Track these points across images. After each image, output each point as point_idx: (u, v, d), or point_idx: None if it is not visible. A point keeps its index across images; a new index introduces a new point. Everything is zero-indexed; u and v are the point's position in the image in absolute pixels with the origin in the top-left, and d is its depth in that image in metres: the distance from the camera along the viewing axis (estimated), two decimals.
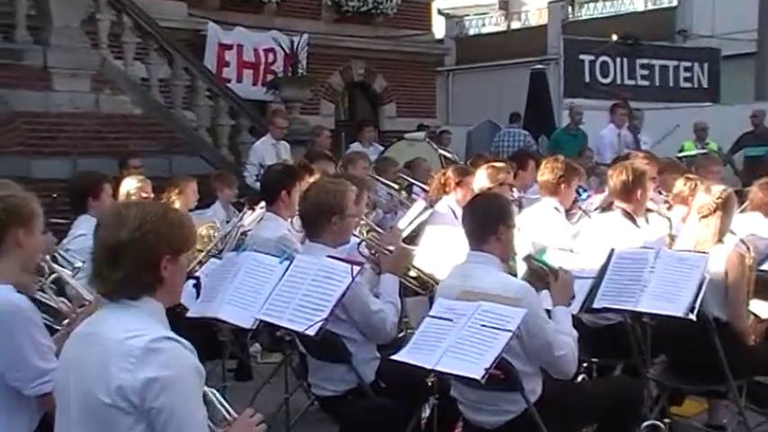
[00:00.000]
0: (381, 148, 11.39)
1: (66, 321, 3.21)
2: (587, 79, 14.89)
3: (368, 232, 4.60)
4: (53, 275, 3.38)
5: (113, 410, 2.23)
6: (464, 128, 15.75)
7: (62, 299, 3.32)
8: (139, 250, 2.32)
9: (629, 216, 4.97)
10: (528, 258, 3.89)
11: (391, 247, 4.27)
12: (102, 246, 2.35)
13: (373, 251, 4.31)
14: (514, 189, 6.31)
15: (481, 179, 5.99)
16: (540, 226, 5.17)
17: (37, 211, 2.94)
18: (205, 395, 2.43)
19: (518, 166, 7.09)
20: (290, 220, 5.24)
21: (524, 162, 7.25)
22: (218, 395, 2.55)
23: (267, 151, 9.57)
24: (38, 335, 2.80)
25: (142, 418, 2.23)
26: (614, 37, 14.99)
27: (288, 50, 12.24)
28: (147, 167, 8.31)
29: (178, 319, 2.70)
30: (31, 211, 2.92)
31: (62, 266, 4.41)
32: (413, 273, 4.55)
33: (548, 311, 3.67)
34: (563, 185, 5.44)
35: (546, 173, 5.48)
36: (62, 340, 3.05)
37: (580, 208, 5.84)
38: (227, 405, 2.57)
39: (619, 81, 15.65)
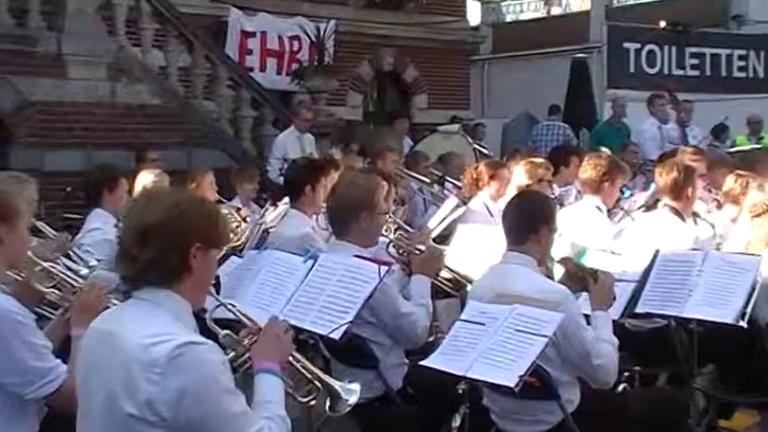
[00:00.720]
0: (411, 143, 11.42)
1: (59, 311, 3.23)
2: (632, 69, 14.77)
3: (395, 231, 4.61)
4: (37, 267, 3.42)
5: (139, 422, 2.26)
6: (500, 121, 15.69)
7: (53, 290, 3.35)
8: (170, 231, 2.36)
9: (678, 213, 4.95)
10: (565, 260, 3.89)
11: (421, 247, 4.27)
12: (131, 225, 2.39)
13: (402, 251, 4.31)
14: (554, 186, 6.29)
15: (519, 176, 5.99)
16: (580, 226, 5.15)
17: (21, 207, 2.98)
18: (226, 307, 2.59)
19: (561, 162, 7.05)
20: (314, 217, 5.26)
21: (567, 158, 7.22)
22: (238, 307, 2.67)
23: (291, 144, 9.64)
24: (30, 335, 2.82)
25: (171, 430, 2.26)
26: (662, 23, 14.86)
27: (314, 38, 12.29)
28: (164, 161, 8.39)
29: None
30: (14, 208, 2.95)
31: (77, 264, 4.48)
32: (445, 273, 4.55)
33: (586, 317, 3.66)
34: (606, 183, 5.42)
35: (588, 169, 5.46)
36: (56, 330, 3.10)
37: (622, 208, 5.80)
38: (250, 315, 2.67)
39: (666, 71, 15.48)
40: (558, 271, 3.93)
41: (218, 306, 2.67)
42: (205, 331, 2.52)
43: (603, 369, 3.53)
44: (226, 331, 2.67)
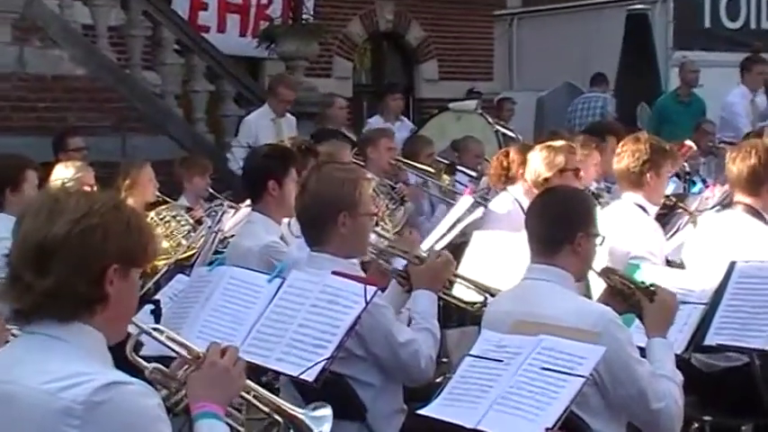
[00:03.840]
0: (411, 125, 11.45)
1: None
2: (707, 23, 14.80)
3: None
4: None
5: None
6: (533, 94, 15.70)
7: None
8: (80, 250, 2.33)
9: (757, 214, 4.93)
10: (608, 271, 3.89)
11: (421, 253, 4.29)
12: (25, 242, 2.36)
13: (381, 262, 4.32)
14: (586, 176, 6.26)
15: (535, 165, 5.97)
16: (619, 232, 5.12)
17: None
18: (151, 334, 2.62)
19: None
20: (285, 222, 5.29)
21: (602, 139, 7.19)
22: (167, 332, 2.70)
23: (264, 129, 9.66)
24: None
25: None
26: None
27: None
28: (92, 149, 8.41)
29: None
30: None
31: None
32: (460, 287, 4.56)
33: (640, 350, 3.66)
34: (649, 174, 5.39)
35: (625, 158, 5.43)
36: None
37: (687, 210, 5.78)
38: (185, 341, 2.70)
39: (753, 25, 15.52)
40: (597, 286, 3.94)
41: (139, 334, 2.67)
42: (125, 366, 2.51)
43: (665, 414, 3.54)
44: (153, 364, 2.67)
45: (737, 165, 5.01)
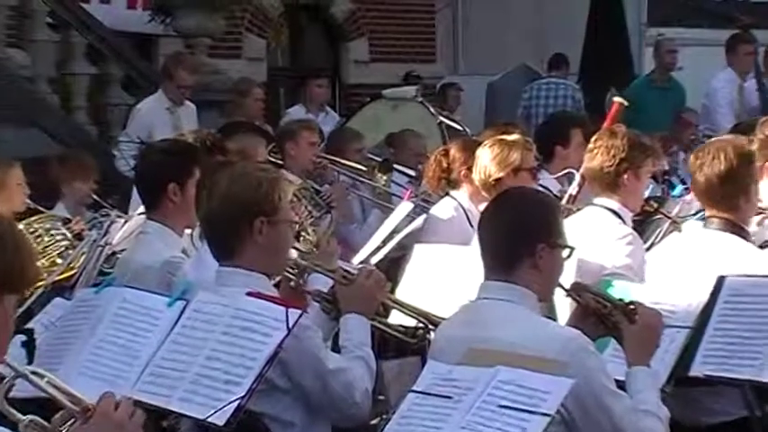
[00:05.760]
0: (337, 117, 11.45)
1: None
2: None
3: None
4: None
5: None
6: (483, 79, 15.80)
7: None
8: None
9: (736, 229, 4.81)
10: (578, 288, 3.93)
11: (351, 270, 4.30)
12: None
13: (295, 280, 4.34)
14: (547, 177, 6.32)
15: (485, 163, 6.01)
16: (590, 243, 5.14)
17: None
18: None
19: (556, 139, 7.08)
20: (187, 233, 5.28)
21: (565, 132, 7.27)
22: (49, 377, 2.67)
23: (158, 120, 9.64)
24: None
25: None
26: None
27: None
28: None
29: None
30: None
31: None
32: (397, 314, 4.59)
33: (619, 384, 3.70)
34: (627, 175, 5.44)
35: (598, 155, 5.46)
36: None
37: (657, 210, 5.85)
38: (71, 390, 2.67)
39: None
40: (563, 307, 3.98)
41: (14, 377, 2.64)
42: None
43: None
44: (30, 417, 2.65)
45: (704, 171, 4.85)
